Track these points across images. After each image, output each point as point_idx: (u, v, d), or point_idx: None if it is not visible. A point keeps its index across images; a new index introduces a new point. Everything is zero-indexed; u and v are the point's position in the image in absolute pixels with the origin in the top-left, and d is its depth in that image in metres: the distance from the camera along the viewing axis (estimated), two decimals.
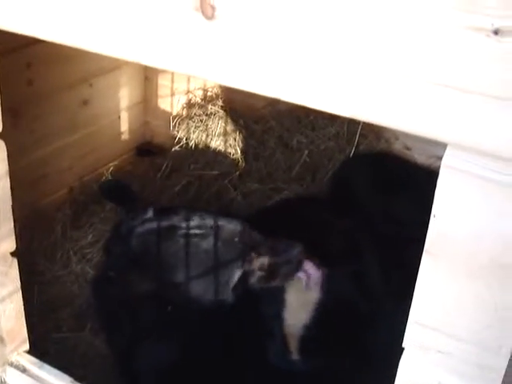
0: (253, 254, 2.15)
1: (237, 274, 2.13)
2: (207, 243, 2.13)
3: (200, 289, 2.12)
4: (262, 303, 2.23)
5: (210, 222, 2.17)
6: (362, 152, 3.40)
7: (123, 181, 3.14)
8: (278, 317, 2.21)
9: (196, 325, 2.10)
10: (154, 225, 2.17)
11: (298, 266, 2.17)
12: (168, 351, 2.12)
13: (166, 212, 2.23)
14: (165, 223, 2.17)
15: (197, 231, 2.14)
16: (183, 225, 2.15)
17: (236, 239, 2.15)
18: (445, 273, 1.14)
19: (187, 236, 2.14)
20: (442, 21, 0.96)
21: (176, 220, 2.17)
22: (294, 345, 2.20)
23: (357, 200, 2.77)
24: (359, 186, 2.88)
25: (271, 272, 2.18)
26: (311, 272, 2.19)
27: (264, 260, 2.17)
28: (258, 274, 2.17)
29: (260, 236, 2.21)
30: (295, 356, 2.20)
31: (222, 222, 2.17)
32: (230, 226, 2.18)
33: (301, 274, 2.18)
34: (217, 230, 2.16)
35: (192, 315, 2.10)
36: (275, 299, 2.23)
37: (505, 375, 1.18)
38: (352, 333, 2.24)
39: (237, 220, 2.22)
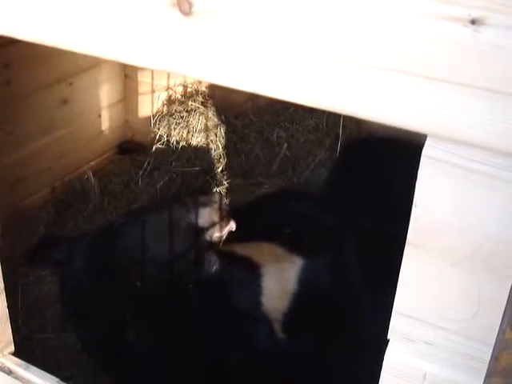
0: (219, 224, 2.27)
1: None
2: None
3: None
4: (233, 291, 2.24)
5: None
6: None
7: None
8: (256, 304, 2.22)
9: (176, 311, 2.10)
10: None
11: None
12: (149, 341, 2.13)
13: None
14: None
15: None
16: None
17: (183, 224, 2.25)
18: (428, 263, 1.14)
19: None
20: (420, 11, 0.96)
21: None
22: (277, 326, 2.21)
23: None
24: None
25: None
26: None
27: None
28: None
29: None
30: (280, 335, 2.21)
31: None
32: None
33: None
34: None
35: (172, 301, 2.11)
36: (251, 287, 2.25)
37: None
38: (333, 319, 2.25)
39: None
